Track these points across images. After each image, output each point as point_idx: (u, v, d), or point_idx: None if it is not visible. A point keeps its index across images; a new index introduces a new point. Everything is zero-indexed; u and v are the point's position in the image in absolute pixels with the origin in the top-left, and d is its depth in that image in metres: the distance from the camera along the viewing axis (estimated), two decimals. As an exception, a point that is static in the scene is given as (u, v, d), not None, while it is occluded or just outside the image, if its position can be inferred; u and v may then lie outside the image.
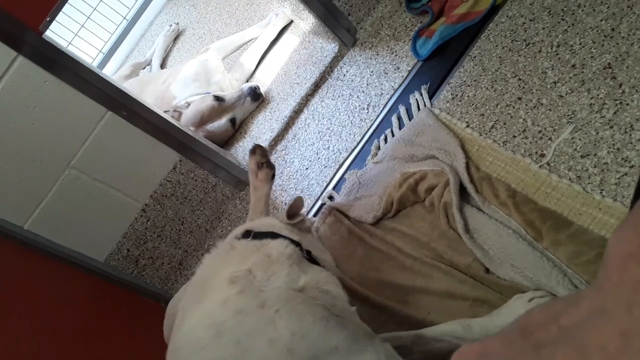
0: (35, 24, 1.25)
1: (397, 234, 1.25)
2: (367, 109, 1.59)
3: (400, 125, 1.45)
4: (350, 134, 1.58)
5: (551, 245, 0.99)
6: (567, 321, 0.32)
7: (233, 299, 0.81)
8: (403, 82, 1.54)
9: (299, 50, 2.01)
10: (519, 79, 1.25)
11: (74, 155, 1.43)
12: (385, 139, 1.46)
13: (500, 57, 1.33)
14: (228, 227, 1.76)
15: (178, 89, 2.13)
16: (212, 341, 0.77)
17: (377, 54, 1.68)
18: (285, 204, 1.61)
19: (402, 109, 1.46)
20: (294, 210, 1.05)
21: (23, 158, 1.36)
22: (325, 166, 1.58)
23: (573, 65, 1.18)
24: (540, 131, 1.15)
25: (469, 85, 1.35)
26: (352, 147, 1.55)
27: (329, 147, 1.62)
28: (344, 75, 1.75)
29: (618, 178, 1.00)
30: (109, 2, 3.27)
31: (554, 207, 1.05)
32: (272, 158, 1.78)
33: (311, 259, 0.97)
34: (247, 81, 2.20)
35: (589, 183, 1.03)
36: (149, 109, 1.53)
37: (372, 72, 1.66)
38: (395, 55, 1.63)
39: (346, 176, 1.48)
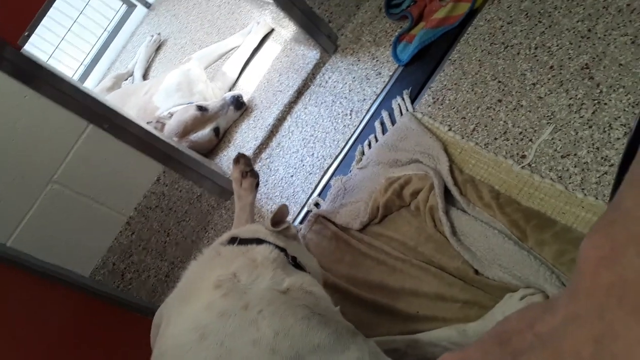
0: (13, 39, 1.24)
1: (384, 239, 1.25)
2: (350, 114, 1.59)
3: (384, 130, 1.45)
4: (334, 140, 1.59)
5: (536, 245, 0.99)
6: (542, 328, 0.32)
7: (217, 302, 0.81)
8: (385, 87, 1.55)
9: (281, 58, 2.01)
10: (499, 82, 1.26)
11: (56, 169, 1.42)
12: (369, 145, 1.46)
13: (479, 60, 1.34)
14: (214, 237, 1.75)
15: (160, 100, 2.12)
16: (197, 344, 0.77)
17: (359, 60, 1.69)
18: (271, 212, 1.60)
19: (384, 114, 1.47)
20: (278, 217, 1.05)
21: (4, 174, 1.34)
22: (310, 173, 1.58)
23: (551, 67, 1.19)
24: (520, 132, 1.16)
25: (449, 89, 1.36)
26: (336, 154, 1.55)
27: (313, 154, 1.62)
28: (326, 81, 1.75)
29: (598, 177, 1.01)
30: (90, 15, 3.25)
31: (538, 207, 1.06)
32: (257, 166, 1.78)
33: (296, 264, 0.97)
34: (230, 90, 2.20)
35: (570, 183, 1.04)
36: (131, 121, 1.52)
37: (354, 78, 1.66)
38: (377, 60, 1.63)
39: (331, 182, 1.48)
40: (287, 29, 1.83)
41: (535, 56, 1.24)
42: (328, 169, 1.54)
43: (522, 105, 1.19)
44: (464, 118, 1.28)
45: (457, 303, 1.06)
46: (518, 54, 1.27)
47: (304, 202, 1.53)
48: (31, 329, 1.31)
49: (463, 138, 1.25)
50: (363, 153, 1.46)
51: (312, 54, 1.84)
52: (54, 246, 1.48)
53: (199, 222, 1.77)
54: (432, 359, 0.99)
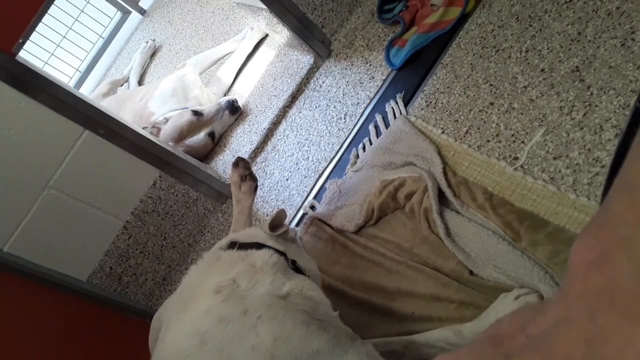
0: (8, 46, 1.25)
1: (379, 241, 1.26)
2: (344, 118, 1.60)
3: (378, 133, 1.47)
4: (328, 144, 1.60)
5: (529, 246, 1.00)
6: (534, 330, 0.33)
7: (217, 308, 0.81)
8: (378, 91, 1.56)
9: (275, 63, 2.02)
10: (491, 85, 1.28)
11: (52, 175, 1.42)
12: (364, 148, 1.47)
13: (471, 63, 1.35)
14: (211, 240, 1.75)
15: (156, 105, 2.13)
16: (196, 349, 0.77)
17: (352, 64, 1.70)
18: (267, 216, 1.61)
19: (378, 118, 1.48)
20: (276, 222, 1.06)
21: (0, 180, 1.35)
22: (305, 176, 1.59)
23: (542, 70, 1.21)
24: (513, 135, 1.17)
25: (442, 92, 1.37)
26: (331, 157, 1.56)
27: (308, 157, 1.63)
28: (320, 86, 1.76)
29: (590, 178, 1.02)
30: (85, 21, 3.26)
31: (531, 208, 1.07)
32: (252, 170, 1.78)
33: (296, 268, 0.98)
34: (225, 95, 2.21)
35: (562, 184, 1.05)
36: (126, 126, 1.53)
37: (347, 82, 1.67)
38: (370, 65, 1.64)
39: (327, 185, 1.49)
40: (280, 35, 1.84)
41: (526, 59, 1.25)
42: (323, 172, 1.55)
43: (514, 108, 1.20)
44: (457, 121, 1.29)
45: (452, 304, 1.06)
46: (509, 57, 1.29)
47: (300, 205, 1.54)
48: (28, 334, 1.31)
49: (456, 140, 1.26)
50: (357, 156, 1.47)
51: (306, 59, 1.85)
52: (51, 251, 1.48)
53: (195, 225, 1.78)
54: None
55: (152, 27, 3.14)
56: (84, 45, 3.32)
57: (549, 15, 1.27)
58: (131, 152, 1.55)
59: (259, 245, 0.97)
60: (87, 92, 3.16)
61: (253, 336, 0.77)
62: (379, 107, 1.52)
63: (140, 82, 2.81)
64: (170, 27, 2.94)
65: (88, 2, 3.26)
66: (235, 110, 1.99)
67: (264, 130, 1.84)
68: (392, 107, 1.46)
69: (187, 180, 1.71)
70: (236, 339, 0.77)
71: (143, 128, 1.89)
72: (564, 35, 1.21)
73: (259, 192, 1.68)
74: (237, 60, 2.21)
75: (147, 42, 2.91)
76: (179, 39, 2.78)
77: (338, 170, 1.51)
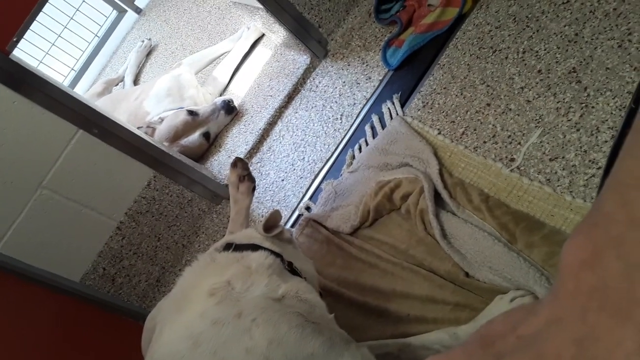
0: (2, 45, 1.24)
1: (375, 242, 1.26)
2: (341, 119, 1.60)
3: (374, 134, 1.46)
4: (324, 145, 1.59)
5: (525, 248, 1.00)
6: (525, 331, 0.33)
7: (211, 310, 0.81)
8: (375, 91, 1.56)
9: (272, 63, 2.02)
10: (487, 86, 1.27)
11: (45, 175, 1.41)
12: (360, 149, 1.47)
13: (468, 64, 1.35)
14: (205, 241, 1.75)
15: (151, 105, 2.12)
16: (190, 352, 0.77)
17: (349, 65, 1.69)
18: (262, 217, 1.60)
19: (375, 118, 1.48)
20: (271, 223, 1.05)
21: (-7, 180, 1.34)
22: (301, 177, 1.59)
23: (539, 71, 1.20)
24: (509, 136, 1.17)
25: (439, 93, 1.37)
26: (327, 158, 1.55)
27: (304, 158, 1.63)
28: (317, 86, 1.76)
29: (586, 180, 1.02)
30: (80, 20, 3.25)
31: (527, 209, 1.07)
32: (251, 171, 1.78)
33: (292, 270, 0.97)
34: (221, 95, 2.20)
35: (558, 185, 1.05)
36: (121, 125, 1.52)
37: (344, 82, 1.67)
38: (367, 65, 1.64)
39: (322, 186, 1.48)
40: (277, 34, 1.84)
41: (523, 60, 1.25)
42: (319, 172, 1.55)
43: (510, 109, 1.20)
44: (454, 122, 1.29)
45: (448, 305, 1.06)
46: (506, 58, 1.28)
47: (295, 206, 1.53)
48: (21, 335, 1.30)
49: (452, 142, 1.26)
50: (354, 157, 1.47)
51: (302, 59, 1.84)
52: (43, 251, 1.47)
53: (190, 226, 1.77)
54: None
55: (147, 26, 3.13)
56: (79, 44, 3.31)
57: (546, 16, 1.26)
58: (125, 152, 1.54)
59: (254, 247, 0.97)
60: (82, 91, 3.15)
61: (247, 339, 0.77)
62: (375, 107, 1.52)
63: (135, 82, 2.80)
64: (166, 27, 2.93)
65: (84, 1, 3.24)
66: (231, 110, 1.98)
67: (260, 131, 1.83)
68: (389, 108, 1.46)
69: (181, 180, 1.70)
70: (230, 341, 0.77)
71: (138, 128, 1.88)
72: (561, 37, 1.21)
73: (254, 192, 1.68)
74: (233, 60, 2.20)
75: (143, 41, 2.90)
76: (175, 38, 2.77)
77: (334, 171, 1.51)
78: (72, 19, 3.20)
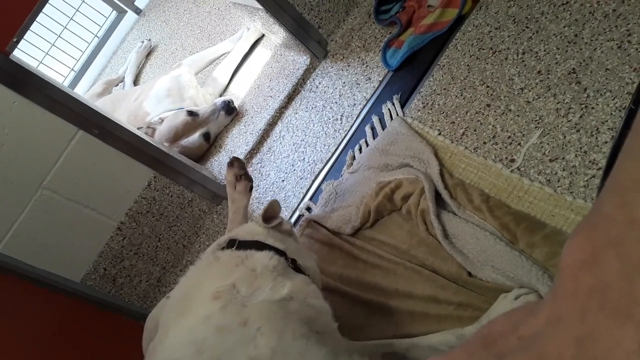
0: (2, 45, 1.24)
1: (376, 243, 1.26)
2: (341, 119, 1.60)
3: (374, 135, 1.46)
4: (324, 145, 1.59)
5: (526, 248, 1.00)
6: (526, 331, 0.33)
7: (215, 315, 0.80)
8: (375, 92, 1.56)
9: (272, 63, 2.02)
10: (487, 86, 1.28)
11: (46, 175, 1.42)
12: (360, 149, 1.47)
13: (468, 65, 1.35)
14: (206, 242, 1.75)
15: (151, 105, 2.12)
16: (193, 358, 0.76)
17: (349, 65, 1.70)
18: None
19: (375, 119, 1.48)
20: (269, 213, 1.04)
21: (-7, 180, 1.34)
22: (301, 178, 1.59)
23: (539, 72, 1.20)
24: (509, 137, 1.17)
25: (438, 94, 1.37)
26: (327, 158, 1.55)
27: (304, 158, 1.63)
28: (317, 87, 1.76)
29: (586, 180, 1.02)
30: (80, 21, 3.25)
31: (527, 210, 1.07)
32: (248, 171, 1.78)
33: (296, 267, 0.97)
34: (221, 95, 2.20)
35: (558, 186, 1.05)
36: (121, 126, 1.52)
37: (344, 83, 1.67)
38: (366, 66, 1.64)
39: (323, 187, 1.48)
40: (277, 35, 1.84)
41: (523, 61, 1.25)
42: (319, 173, 1.55)
43: (510, 110, 1.20)
44: (454, 122, 1.29)
45: (451, 305, 1.06)
46: (506, 59, 1.28)
47: (296, 207, 1.54)
48: (21, 335, 1.30)
49: (453, 142, 1.26)
50: (354, 158, 1.47)
51: (302, 60, 1.85)
52: (44, 252, 1.47)
53: (190, 227, 1.77)
54: None
55: (147, 26, 3.13)
56: (79, 44, 3.31)
57: (546, 17, 1.27)
58: (126, 152, 1.54)
59: (258, 245, 0.96)
60: (82, 91, 3.15)
61: (252, 348, 0.76)
62: (375, 108, 1.52)
63: (135, 82, 2.80)
64: (166, 27, 2.93)
65: (83, 1, 3.25)
66: (231, 111, 1.99)
67: (260, 131, 1.83)
68: (389, 109, 1.46)
69: (182, 181, 1.70)
70: (234, 350, 0.76)
71: (138, 128, 1.89)
72: (560, 37, 1.21)
73: (254, 193, 1.68)
74: (233, 61, 2.20)
75: (143, 41, 2.90)
76: (175, 38, 2.77)
77: (334, 171, 1.51)
78: (71, 19, 3.20)
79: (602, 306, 0.28)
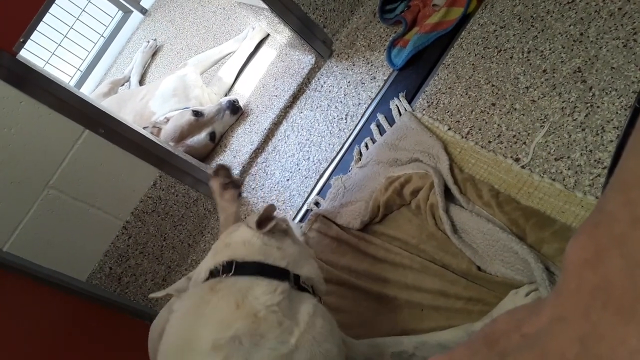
0: (9, 46, 1.25)
1: (385, 237, 1.26)
2: (346, 118, 1.60)
3: (381, 132, 1.46)
4: (329, 144, 1.59)
5: (535, 243, 0.99)
6: (529, 329, 0.33)
7: None
8: (380, 91, 1.56)
9: (277, 63, 2.02)
10: (492, 85, 1.27)
11: (52, 175, 1.42)
12: (366, 146, 1.47)
13: (473, 64, 1.35)
14: (211, 241, 1.75)
15: (157, 105, 2.13)
16: None
17: (354, 65, 1.70)
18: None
19: (381, 117, 1.48)
20: (264, 218, 0.97)
21: (0, 180, 1.35)
22: (306, 177, 1.59)
23: (544, 70, 1.20)
24: (514, 136, 1.17)
25: (443, 93, 1.37)
26: (332, 157, 1.56)
27: (309, 157, 1.63)
28: (322, 86, 1.76)
29: (592, 179, 1.02)
30: (86, 21, 3.26)
31: (537, 206, 1.06)
32: (253, 170, 1.78)
33: (300, 286, 0.91)
34: (226, 95, 2.20)
35: (564, 185, 1.05)
36: (126, 125, 1.53)
37: (349, 82, 1.67)
38: (371, 65, 1.64)
39: (331, 181, 1.48)
40: (282, 34, 1.84)
41: (528, 60, 1.25)
42: (324, 172, 1.55)
43: (515, 109, 1.20)
44: (459, 121, 1.29)
45: (460, 300, 1.06)
46: (511, 57, 1.28)
47: (300, 206, 1.54)
48: (28, 334, 1.31)
49: (463, 138, 1.26)
50: (360, 153, 1.47)
51: (307, 59, 1.85)
52: (50, 251, 1.48)
53: (195, 226, 1.77)
54: None
55: (153, 26, 3.14)
56: (85, 44, 3.32)
57: (551, 16, 1.26)
58: (131, 152, 1.55)
59: (259, 269, 0.88)
60: (88, 91, 3.16)
61: None
62: (380, 107, 1.52)
63: (141, 82, 2.81)
64: (171, 27, 2.94)
65: (89, 2, 3.26)
66: (236, 111, 1.99)
67: (265, 131, 1.84)
68: (397, 105, 1.46)
69: (187, 180, 1.71)
70: None
71: (144, 128, 1.89)
72: (566, 36, 1.21)
73: (259, 192, 1.68)
74: (238, 60, 2.21)
75: (148, 41, 2.91)
76: (180, 38, 2.78)
77: (339, 170, 1.51)
78: (77, 19, 3.21)
79: (606, 304, 0.28)
